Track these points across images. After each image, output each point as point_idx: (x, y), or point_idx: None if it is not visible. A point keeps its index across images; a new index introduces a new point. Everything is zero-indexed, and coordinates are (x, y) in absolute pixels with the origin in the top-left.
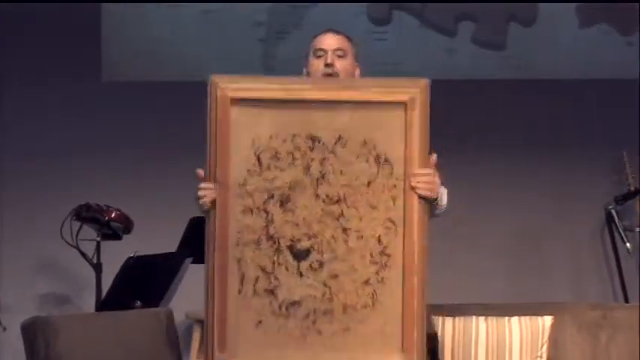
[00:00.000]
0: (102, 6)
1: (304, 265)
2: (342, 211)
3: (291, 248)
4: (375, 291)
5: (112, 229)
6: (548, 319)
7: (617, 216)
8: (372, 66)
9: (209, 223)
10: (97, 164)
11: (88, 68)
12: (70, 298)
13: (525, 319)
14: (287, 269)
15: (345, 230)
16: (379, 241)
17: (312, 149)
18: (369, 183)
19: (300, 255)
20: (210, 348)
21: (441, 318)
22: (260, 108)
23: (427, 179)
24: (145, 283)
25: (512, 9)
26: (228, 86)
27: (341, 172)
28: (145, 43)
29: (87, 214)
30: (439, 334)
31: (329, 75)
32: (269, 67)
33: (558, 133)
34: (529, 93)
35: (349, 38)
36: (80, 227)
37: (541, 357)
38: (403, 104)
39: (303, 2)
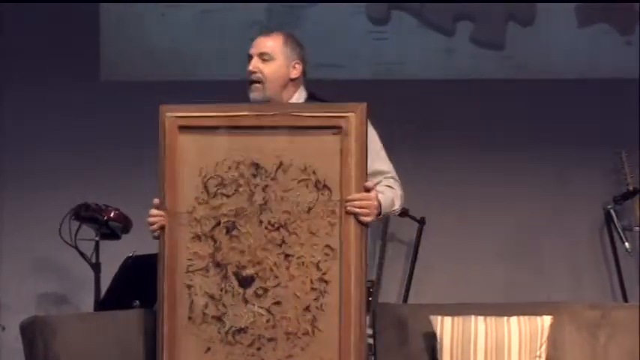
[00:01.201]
0: (100, 6)
1: (249, 291)
2: (283, 238)
3: (236, 275)
4: (314, 317)
5: (111, 228)
6: (547, 319)
7: (616, 216)
8: (371, 66)
9: (159, 250)
10: (96, 164)
11: (87, 68)
12: (68, 297)
13: (524, 319)
14: (233, 296)
15: (287, 257)
16: (318, 267)
17: (255, 176)
18: (309, 209)
19: (245, 282)
20: None
21: (439, 318)
22: (207, 135)
23: (361, 203)
24: (143, 282)
25: (510, 9)
26: (175, 115)
27: (282, 199)
28: (143, 42)
29: (86, 214)
30: (437, 334)
31: (251, 82)
32: None
33: (557, 132)
34: (528, 93)
35: (286, 38)
36: (79, 227)
37: (540, 357)
38: (339, 129)
39: (301, 2)
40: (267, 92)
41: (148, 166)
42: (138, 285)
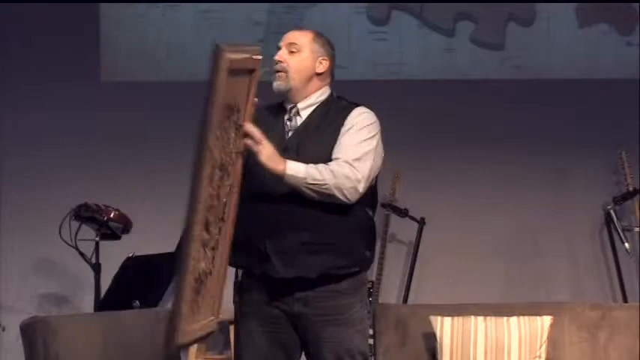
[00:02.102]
0: (100, 6)
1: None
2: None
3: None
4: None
5: (111, 228)
6: (547, 320)
7: (616, 216)
8: (372, 66)
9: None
10: (96, 164)
11: (86, 68)
12: (68, 298)
13: (524, 319)
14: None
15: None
16: (225, 205)
17: (229, 118)
18: (237, 152)
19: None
20: None
21: (439, 318)
22: (233, 78)
23: (258, 137)
24: (143, 283)
25: (510, 9)
26: (231, 57)
27: (230, 143)
28: (143, 42)
29: (86, 214)
30: (437, 334)
31: (276, 71)
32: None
33: (557, 133)
34: (528, 93)
35: (316, 34)
36: (79, 227)
37: (540, 357)
38: (250, 73)
39: (301, 2)
40: (290, 82)
41: (148, 166)
42: (138, 285)
